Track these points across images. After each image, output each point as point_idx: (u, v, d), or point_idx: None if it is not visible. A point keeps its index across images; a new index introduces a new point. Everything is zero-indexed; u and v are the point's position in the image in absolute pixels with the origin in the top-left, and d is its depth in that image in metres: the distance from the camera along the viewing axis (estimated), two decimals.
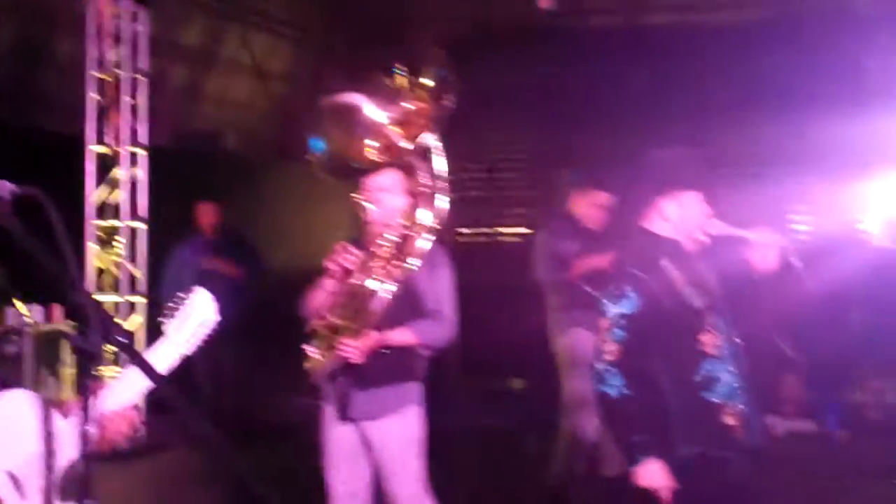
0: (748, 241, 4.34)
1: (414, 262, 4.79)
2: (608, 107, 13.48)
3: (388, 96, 4.59)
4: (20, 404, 2.97)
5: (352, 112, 4.71)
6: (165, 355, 3.22)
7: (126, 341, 2.78)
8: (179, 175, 10.60)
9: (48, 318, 8.76)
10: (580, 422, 7.17)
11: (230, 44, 14.00)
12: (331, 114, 4.71)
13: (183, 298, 3.39)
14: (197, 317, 3.31)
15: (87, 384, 2.64)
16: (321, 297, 4.94)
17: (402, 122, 4.54)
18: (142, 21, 10.81)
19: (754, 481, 4.36)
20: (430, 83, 4.45)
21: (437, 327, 4.99)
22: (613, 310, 4.14)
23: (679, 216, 4.25)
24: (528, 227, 14.63)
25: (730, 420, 4.14)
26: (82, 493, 2.61)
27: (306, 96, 15.26)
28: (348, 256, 4.83)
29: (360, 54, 14.99)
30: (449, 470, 8.32)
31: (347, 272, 4.88)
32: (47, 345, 8.26)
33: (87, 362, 2.64)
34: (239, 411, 9.70)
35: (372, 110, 4.65)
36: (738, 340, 4.27)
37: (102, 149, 10.42)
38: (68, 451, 2.94)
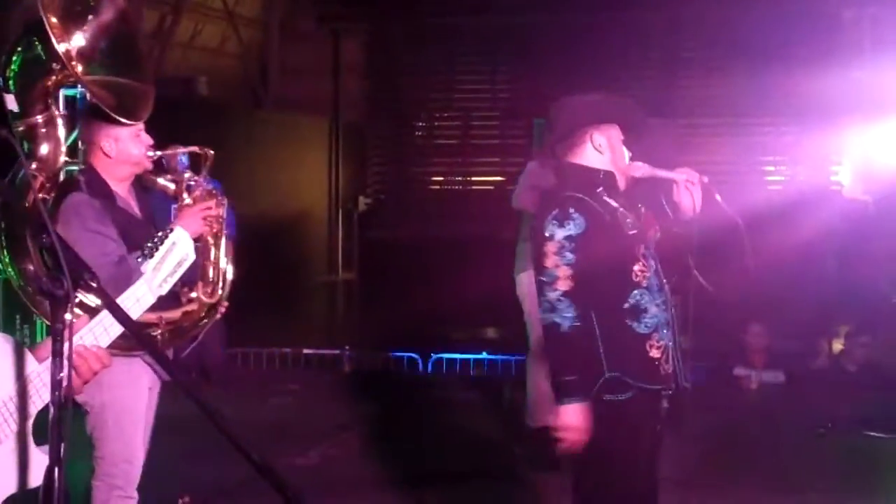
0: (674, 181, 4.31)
1: None
2: (582, 57, 13.40)
3: None
4: None
5: None
6: (143, 294, 3.14)
7: (96, 284, 2.72)
8: (150, 121, 10.47)
9: None
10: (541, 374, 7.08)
11: None
12: None
13: (161, 237, 3.32)
14: (175, 256, 3.25)
15: (57, 328, 2.58)
16: None
17: None
18: None
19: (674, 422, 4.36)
20: None
21: None
22: (560, 232, 4.06)
23: (609, 148, 4.21)
24: (501, 176, 14.58)
25: (655, 353, 4.11)
26: (56, 437, 2.57)
27: (277, 42, 15.20)
28: None
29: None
30: (421, 421, 8.43)
31: None
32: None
33: (57, 306, 2.59)
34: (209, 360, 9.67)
35: None
36: (664, 278, 4.24)
37: (72, 91, 10.27)
38: (44, 395, 2.91)
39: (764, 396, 8.39)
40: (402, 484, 6.84)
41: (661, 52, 13.81)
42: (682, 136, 12.83)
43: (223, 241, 4.69)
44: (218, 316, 4.70)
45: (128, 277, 3.96)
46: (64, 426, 2.54)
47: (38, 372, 2.93)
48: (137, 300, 3.11)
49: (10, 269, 4.27)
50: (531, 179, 7.38)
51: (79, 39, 4.20)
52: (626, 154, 4.26)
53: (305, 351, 10.51)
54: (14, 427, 2.90)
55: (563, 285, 4.01)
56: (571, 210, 4.07)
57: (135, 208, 4.65)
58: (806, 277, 10.51)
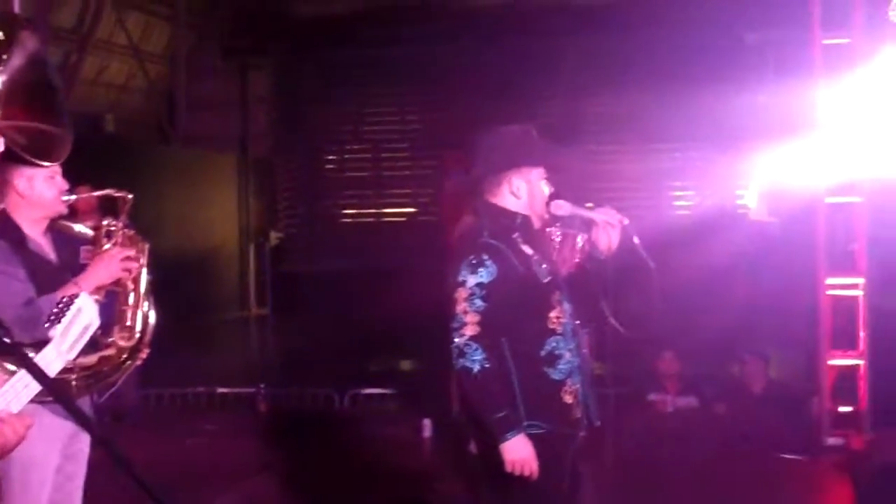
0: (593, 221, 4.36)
1: None
2: (490, 85, 13.51)
3: None
4: None
5: None
6: (52, 360, 3.09)
7: (10, 343, 2.67)
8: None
9: None
10: None
11: (105, 25, 13.70)
12: None
13: (66, 302, 3.28)
14: (80, 322, 3.21)
15: None
16: None
17: None
18: (15, 2, 10.49)
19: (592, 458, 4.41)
20: None
21: None
22: (471, 279, 4.09)
23: (527, 192, 4.24)
24: (412, 207, 14.62)
25: (568, 398, 4.17)
26: None
27: (184, 77, 15.09)
28: None
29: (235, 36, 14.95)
30: (340, 459, 8.39)
31: None
32: None
33: None
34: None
35: None
36: (576, 320, 4.29)
37: None
38: None
39: (679, 420, 8.49)
40: None
41: (567, 79, 13.97)
42: (588, 161, 12.99)
43: (143, 285, 4.65)
44: (139, 361, 4.64)
45: (35, 319, 3.89)
46: None
47: None
48: (47, 365, 3.06)
49: None
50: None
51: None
52: (546, 191, 4.28)
53: (220, 390, 10.39)
54: None
55: (471, 330, 4.05)
56: (485, 257, 4.10)
57: (49, 252, 4.58)
58: (715, 300, 10.66)
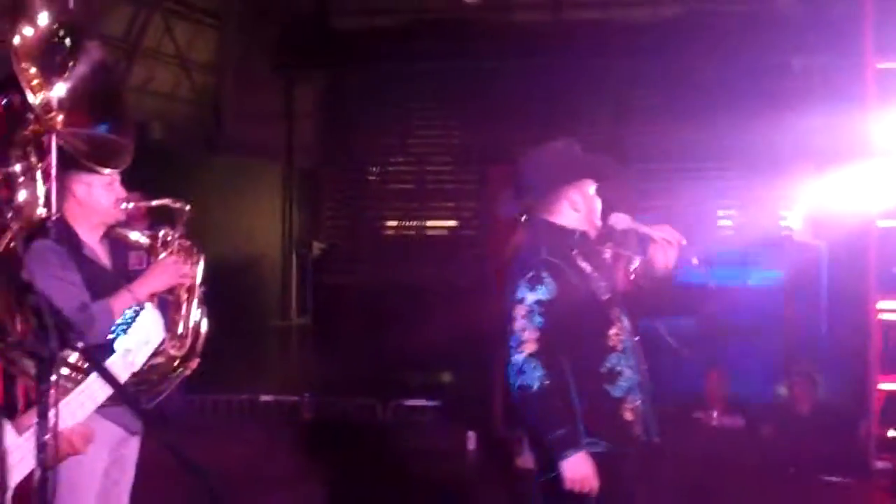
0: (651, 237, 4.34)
1: None
2: (536, 103, 13.53)
3: None
4: None
5: None
6: (116, 371, 3.11)
7: (84, 348, 2.69)
8: None
9: None
10: None
11: (153, 33, 13.81)
12: None
13: (132, 316, 3.31)
14: (142, 335, 3.24)
15: (44, 391, 2.55)
16: None
17: None
18: None
19: (648, 476, 4.38)
20: None
21: None
22: (531, 296, 4.08)
23: (585, 206, 4.23)
24: (455, 220, 14.65)
25: (628, 415, 4.15)
26: (42, 500, 2.54)
27: (230, 87, 15.18)
28: None
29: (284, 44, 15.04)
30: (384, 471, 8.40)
31: None
32: None
33: (44, 369, 2.56)
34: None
35: None
36: (636, 336, 4.27)
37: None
38: (23, 468, 2.85)
39: (724, 440, 8.45)
40: None
41: (615, 99, 13.97)
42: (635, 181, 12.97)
43: (197, 295, 4.68)
44: (188, 371, 4.67)
45: (90, 325, 3.93)
46: (50, 489, 2.52)
47: (18, 443, 2.87)
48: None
49: None
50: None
51: (59, 89, 4.19)
52: (599, 204, 4.28)
53: (263, 398, 10.42)
54: None
55: (529, 347, 4.03)
56: (544, 274, 4.08)
57: (104, 259, 4.61)
58: (763, 321, 10.60)
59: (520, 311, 4.06)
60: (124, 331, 3.20)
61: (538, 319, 4.03)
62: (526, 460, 7.37)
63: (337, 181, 15.07)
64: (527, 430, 4.29)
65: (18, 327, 4.25)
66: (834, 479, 7.81)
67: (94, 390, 2.99)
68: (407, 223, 14.89)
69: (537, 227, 4.28)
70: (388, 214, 14.92)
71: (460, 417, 9.61)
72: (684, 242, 4.27)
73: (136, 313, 3.38)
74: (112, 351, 3.23)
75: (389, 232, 14.92)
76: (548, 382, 4.01)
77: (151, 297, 4.50)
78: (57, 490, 4.33)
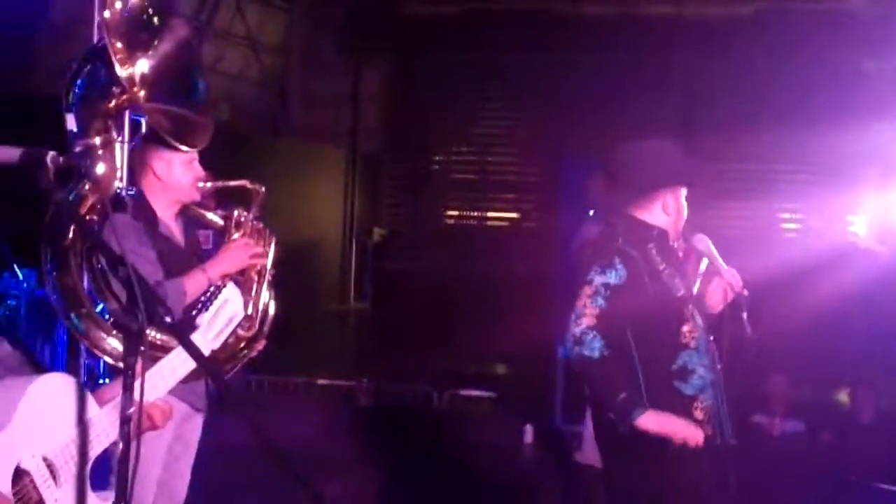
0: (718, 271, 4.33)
1: None
2: (600, 95, 13.45)
3: None
4: (57, 389, 2.89)
5: None
6: (198, 345, 3.12)
7: (172, 321, 2.71)
8: None
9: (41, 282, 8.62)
10: None
11: (224, 14, 13.88)
12: None
13: (214, 292, 3.32)
14: (226, 312, 3.25)
15: (129, 362, 2.58)
16: None
17: None
18: None
19: (719, 478, 4.35)
20: None
21: None
22: (599, 279, 4.06)
23: (675, 210, 4.22)
24: (516, 213, 14.62)
25: (699, 414, 4.12)
26: (124, 472, 2.56)
27: (298, 70, 15.24)
28: None
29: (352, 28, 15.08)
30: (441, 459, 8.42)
31: None
32: (41, 310, 8.16)
33: (130, 340, 2.59)
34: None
35: None
36: (711, 336, 4.25)
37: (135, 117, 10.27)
38: (104, 440, 2.88)
39: (785, 445, 8.40)
40: None
41: (684, 96, 13.85)
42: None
43: (266, 278, 4.70)
44: (254, 352, 4.70)
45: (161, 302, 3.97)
46: (131, 463, 2.54)
47: (100, 416, 2.90)
48: None
49: (57, 297, 4.25)
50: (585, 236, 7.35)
51: (142, 65, 4.23)
52: (686, 210, 4.26)
53: (320, 381, 10.48)
54: (74, 470, 2.87)
55: (588, 321, 4.02)
56: (617, 261, 4.07)
57: (178, 237, 4.64)
58: (823, 327, 10.50)
59: (586, 291, 4.08)
60: (206, 307, 3.22)
61: (601, 301, 4.04)
62: (585, 455, 7.38)
63: (399, 167, 15.08)
64: (591, 403, 4.27)
65: (87, 295, 4.33)
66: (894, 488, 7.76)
67: (177, 365, 3.02)
68: (468, 213, 14.87)
69: (620, 218, 4.27)
70: (449, 203, 14.89)
71: (517, 410, 9.63)
72: (745, 293, 4.24)
73: (218, 290, 3.39)
74: (195, 327, 3.25)
75: (450, 221, 14.90)
76: (608, 352, 4.01)
77: (224, 278, 4.55)
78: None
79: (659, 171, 4.23)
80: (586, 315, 4.04)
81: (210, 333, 3.24)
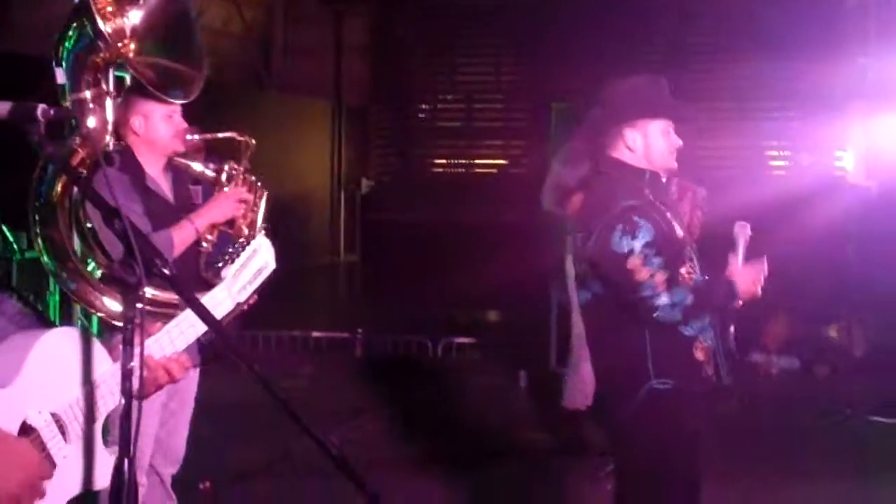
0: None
1: None
2: (587, 41, 13.39)
3: None
4: (67, 344, 2.80)
5: None
6: (223, 300, 3.03)
7: (170, 273, 2.66)
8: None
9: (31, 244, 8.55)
10: (583, 357, 7.07)
11: None
12: None
13: (242, 243, 3.28)
14: (255, 263, 3.18)
15: (128, 317, 2.55)
16: None
17: None
18: None
19: (713, 416, 4.39)
20: None
21: None
22: (637, 243, 3.97)
23: (643, 146, 4.13)
24: (504, 159, 14.62)
25: (700, 355, 4.11)
26: (126, 428, 2.54)
27: (280, 23, 15.14)
28: None
29: None
30: (440, 406, 8.46)
31: None
32: (32, 272, 8.14)
33: (130, 296, 2.56)
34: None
35: None
36: (705, 276, 4.22)
37: (123, 73, 10.18)
38: (117, 395, 2.85)
39: (781, 382, 8.46)
40: (426, 466, 6.88)
41: (667, 37, 13.82)
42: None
43: (259, 231, 4.69)
44: (246, 306, 4.68)
45: None
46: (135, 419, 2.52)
47: (112, 372, 2.86)
48: (217, 305, 3.05)
49: (46, 254, 4.24)
50: (552, 178, 7.30)
51: (132, 17, 4.19)
52: (674, 144, 4.19)
53: (315, 334, 10.48)
54: (82, 428, 2.84)
55: (662, 284, 3.95)
56: (636, 218, 4.00)
57: (166, 191, 4.62)
58: (816, 263, 10.53)
59: (635, 262, 3.95)
60: (233, 259, 3.15)
61: (656, 260, 3.97)
62: (569, 400, 7.39)
63: (385, 118, 15.05)
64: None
65: (76, 252, 4.31)
66: (890, 420, 7.81)
67: (185, 328, 2.97)
68: (456, 161, 14.86)
69: (605, 165, 4.21)
70: (437, 152, 14.88)
71: (511, 355, 9.66)
72: (758, 295, 4.22)
73: (247, 241, 3.34)
74: (220, 279, 3.20)
75: (438, 170, 14.90)
76: (694, 293, 4.01)
77: (212, 229, 4.54)
78: (117, 419, 4.41)
79: (621, 105, 4.18)
80: (659, 282, 3.98)
81: (235, 286, 3.15)
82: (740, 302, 4.15)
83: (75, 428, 2.77)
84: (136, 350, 2.53)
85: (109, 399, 2.81)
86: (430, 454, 7.12)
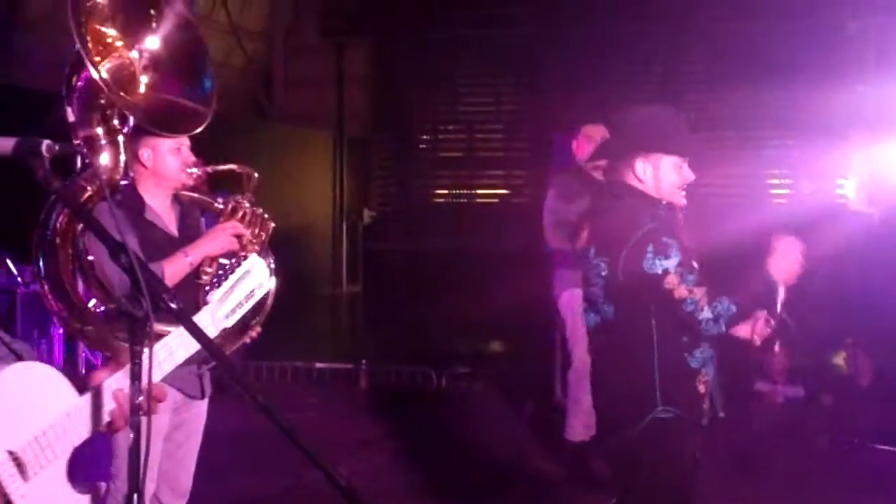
0: None
1: None
2: (586, 71, 13.43)
3: None
4: (29, 378, 2.73)
5: None
6: (205, 326, 2.93)
7: (177, 307, 2.65)
8: None
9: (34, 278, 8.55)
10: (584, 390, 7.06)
11: (206, 1, 13.81)
12: None
13: (232, 265, 3.22)
14: (247, 285, 3.13)
15: (135, 350, 2.54)
16: None
17: None
18: None
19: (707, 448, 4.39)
20: None
21: None
22: (671, 262, 3.97)
23: (652, 178, 4.14)
24: (505, 189, 14.63)
25: (701, 388, 4.13)
26: (135, 462, 2.53)
27: (281, 55, 15.18)
28: None
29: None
30: (446, 437, 8.43)
31: None
32: (37, 305, 8.14)
33: (135, 328, 2.55)
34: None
35: None
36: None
37: None
38: (82, 430, 2.76)
39: (786, 412, 8.43)
40: (433, 496, 6.88)
41: (665, 66, 13.83)
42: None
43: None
44: (248, 339, 4.67)
45: None
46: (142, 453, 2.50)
47: (79, 405, 2.76)
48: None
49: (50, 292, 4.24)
50: (555, 216, 7.31)
51: (151, 42, 4.24)
52: (686, 179, 4.18)
53: (318, 365, 10.46)
54: (44, 464, 2.69)
55: (703, 299, 4.00)
56: (665, 239, 4.01)
57: (169, 223, 4.61)
58: (814, 292, 10.50)
59: (672, 280, 3.99)
60: (220, 283, 3.10)
61: (691, 277, 3.99)
62: (572, 432, 7.37)
63: (386, 148, 15.07)
64: (596, 407, 4.31)
65: (80, 291, 4.31)
66: (893, 448, 7.79)
67: (174, 349, 2.91)
68: (457, 191, 14.86)
69: (623, 195, 4.20)
70: (438, 182, 14.90)
71: (515, 385, 9.64)
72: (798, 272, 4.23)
73: (238, 262, 3.29)
74: (204, 304, 3.15)
75: (440, 199, 14.90)
76: (733, 305, 4.01)
77: (210, 262, 4.52)
78: (119, 455, 4.40)
79: (637, 134, 4.19)
80: (697, 296, 4.00)
81: (221, 311, 3.08)
82: (783, 289, 4.18)
83: (35, 465, 2.68)
84: (127, 381, 2.52)
85: (74, 434, 2.73)
86: (436, 484, 7.11)
